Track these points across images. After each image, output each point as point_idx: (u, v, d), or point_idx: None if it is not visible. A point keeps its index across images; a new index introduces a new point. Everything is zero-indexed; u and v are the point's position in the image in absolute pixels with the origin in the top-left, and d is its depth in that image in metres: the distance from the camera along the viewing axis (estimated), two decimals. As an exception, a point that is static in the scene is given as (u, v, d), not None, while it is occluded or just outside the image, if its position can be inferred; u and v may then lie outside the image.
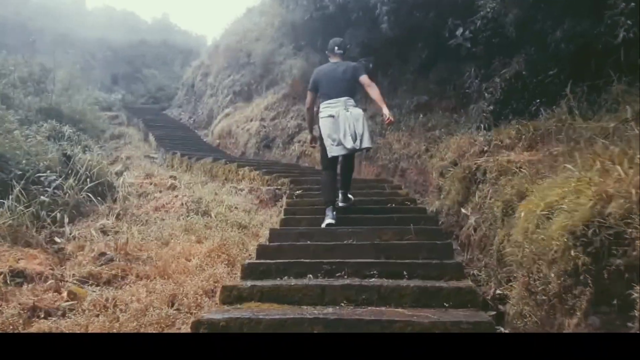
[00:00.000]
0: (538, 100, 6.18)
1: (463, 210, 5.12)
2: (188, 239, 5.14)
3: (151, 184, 8.00)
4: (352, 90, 5.31)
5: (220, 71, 18.72)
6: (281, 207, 6.23)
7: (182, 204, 6.42)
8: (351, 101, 5.23)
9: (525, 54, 6.68)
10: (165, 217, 6.15)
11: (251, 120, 13.25)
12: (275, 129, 11.97)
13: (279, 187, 6.98)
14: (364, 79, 5.27)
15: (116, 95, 18.58)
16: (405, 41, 9.01)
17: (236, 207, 6.54)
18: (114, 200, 6.63)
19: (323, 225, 4.94)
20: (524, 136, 5.37)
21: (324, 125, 5.13)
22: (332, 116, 5.05)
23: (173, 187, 7.67)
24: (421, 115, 8.36)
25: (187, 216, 6.05)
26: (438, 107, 8.34)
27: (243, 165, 8.44)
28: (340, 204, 5.40)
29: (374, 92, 5.25)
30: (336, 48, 5.53)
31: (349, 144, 4.88)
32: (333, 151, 5.04)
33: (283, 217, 5.21)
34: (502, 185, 4.43)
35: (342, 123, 4.96)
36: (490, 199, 4.67)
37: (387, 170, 8.10)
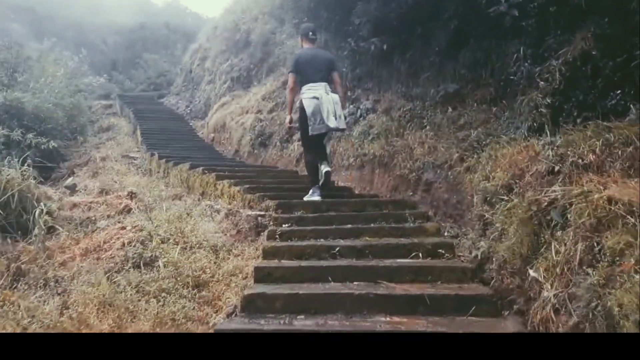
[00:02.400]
0: (618, 92, 4.39)
1: (531, 273, 3.26)
2: (99, 326, 3.34)
3: (103, 203, 6.25)
4: (328, 78, 5.74)
5: (218, 55, 16.89)
6: (263, 241, 4.43)
7: (124, 245, 4.65)
8: (328, 87, 5.65)
9: (594, 27, 4.87)
10: (93, 266, 4.38)
11: (247, 112, 11.39)
12: (272, 123, 10.11)
13: (262, 212, 5.17)
14: (336, 75, 5.83)
15: (96, 82, 16.67)
16: (428, 13, 7.06)
17: (200, 245, 4.75)
18: (43, 236, 4.82)
19: (306, 199, 5.44)
20: (620, 151, 3.51)
21: (309, 106, 5.49)
22: (316, 98, 5.46)
23: (127, 210, 5.90)
24: (450, 109, 6.45)
25: (123, 268, 4.27)
26: (471, 98, 6.38)
27: (222, 177, 6.63)
28: (328, 168, 5.68)
29: (339, 91, 5.79)
30: (310, 34, 5.98)
31: (332, 123, 5.38)
32: (315, 130, 5.49)
33: (248, 291, 3.26)
34: (615, 251, 2.58)
35: (325, 104, 5.40)
36: (584, 265, 2.82)
37: (406, 182, 6.23)
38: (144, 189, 7.20)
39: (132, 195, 6.31)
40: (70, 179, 7.88)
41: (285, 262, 3.71)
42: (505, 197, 3.98)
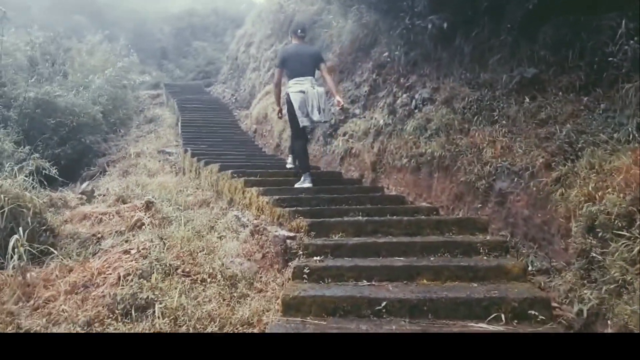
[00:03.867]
0: None
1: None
2: None
3: (117, 214, 5.44)
4: (314, 71, 5.99)
5: (263, 40, 15.99)
6: (288, 280, 3.45)
7: (120, 279, 3.76)
8: (314, 81, 5.90)
9: None
10: (75, 312, 3.51)
11: (289, 103, 10.40)
12: (316, 115, 9.08)
13: (292, 232, 4.18)
14: (323, 66, 6.11)
15: (143, 78, 16.21)
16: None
17: (214, 278, 3.82)
18: (23, 269, 3.96)
19: (298, 185, 5.79)
20: None
21: (296, 100, 5.78)
22: (302, 92, 5.74)
23: (139, 225, 5.05)
24: (527, 99, 5.22)
25: (109, 317, 3.36)
26: (554, 85, 5.11)
27: (251, 183, 5.67)
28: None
29: (329, 79, 6.14)
30: (299, 31, 6.21)
31: (316, 117, 5.74)
32: (303, 122, 5.81)
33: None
34: None
35: (310, 98, 5.70)
36: None
37: (473, 191, 5.08)
38: (168, 193, 6.37)
39: (148, 205, 5.47)
40: (85, 184, 7.17)
41: (311, 324, 2.70)
42: (625, 233, 2.80)
